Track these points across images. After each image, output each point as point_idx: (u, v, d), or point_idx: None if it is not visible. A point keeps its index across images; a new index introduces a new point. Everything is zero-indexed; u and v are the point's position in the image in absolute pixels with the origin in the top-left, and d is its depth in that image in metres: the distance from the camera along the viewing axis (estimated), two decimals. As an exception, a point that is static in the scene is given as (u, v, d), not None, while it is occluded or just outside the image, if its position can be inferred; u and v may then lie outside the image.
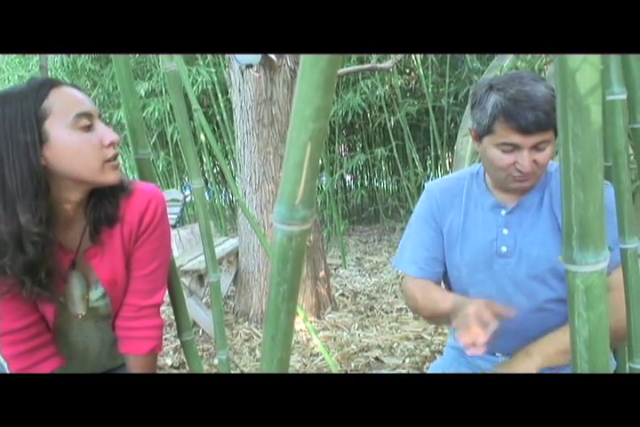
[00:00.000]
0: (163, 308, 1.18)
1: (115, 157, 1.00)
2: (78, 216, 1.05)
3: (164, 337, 1.20)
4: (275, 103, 3.24)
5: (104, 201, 1.04)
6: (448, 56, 5.16)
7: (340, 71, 3.66)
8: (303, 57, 0.38)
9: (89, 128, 0.97)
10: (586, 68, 0.36)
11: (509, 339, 1.22)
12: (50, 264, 0.99)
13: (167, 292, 1.21)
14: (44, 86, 0.95)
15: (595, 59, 0.36)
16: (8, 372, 1.12)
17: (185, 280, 3.10)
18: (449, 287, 1.37)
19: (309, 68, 0.37)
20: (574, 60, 0.36)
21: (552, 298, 1.21)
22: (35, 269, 0.97)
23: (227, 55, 3.49)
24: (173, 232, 3.67)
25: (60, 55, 5.45)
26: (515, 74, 1.15)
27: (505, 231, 1.23)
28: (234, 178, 4.27)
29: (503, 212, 1.23)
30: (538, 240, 1.20)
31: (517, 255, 1.21)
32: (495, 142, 1.13)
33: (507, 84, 1.11)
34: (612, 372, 1.28)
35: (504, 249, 1.22)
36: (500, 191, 1.25)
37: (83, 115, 0.96)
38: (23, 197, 0.93)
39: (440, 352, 2.73)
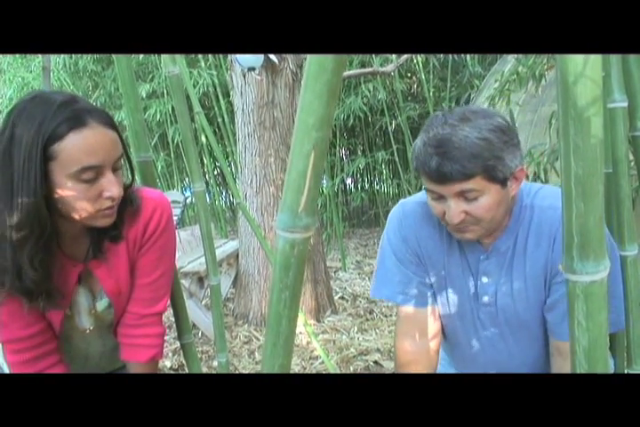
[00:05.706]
0: (162, 310, 1.18)
1: (110, 208, 0.96)
2: (84, 232, 1.04)
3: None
4: (276, 106, 3.25)
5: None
6: (450, 60, 5.17)
7: (342, 75, 3.66)
8: (307, 67, 0.38)
9: (93, 180, 0.91)
10: (587, 80, 0.36)
11: (501, 369, 1.21)
12: (49, 288, 0.98)
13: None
14: (64, 125, 0.87)
15: (596, 71, 0.37)
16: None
17: (185, 282, 3.10)
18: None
19: (313, 78, 0.37)
20: (575, 72, 0.37)
21: (539, 344, 1.15)
22: (33, 294, 0.97)
23: (229, 58, 3.49)
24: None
25: (62, 56, 5.46)
26: (448, 112, 1.00)
27: (485, 280, 1.12)
28: (235, 180, 4.26)
29: (482, 257, 1.11)
30: (514, 290, 1.11)
31: (499, 305, 1.13)
32: (425, 187, 1.03)
33: (430, 125, 0.99)
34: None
35: (485, 299, 1.13)
36: None
37: (88, 169, 0.89)
38: (24, 239, 0.90)
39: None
